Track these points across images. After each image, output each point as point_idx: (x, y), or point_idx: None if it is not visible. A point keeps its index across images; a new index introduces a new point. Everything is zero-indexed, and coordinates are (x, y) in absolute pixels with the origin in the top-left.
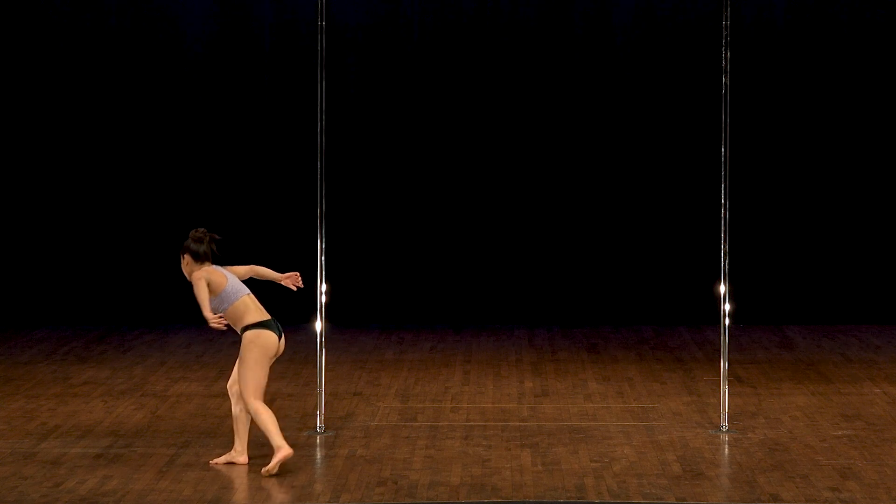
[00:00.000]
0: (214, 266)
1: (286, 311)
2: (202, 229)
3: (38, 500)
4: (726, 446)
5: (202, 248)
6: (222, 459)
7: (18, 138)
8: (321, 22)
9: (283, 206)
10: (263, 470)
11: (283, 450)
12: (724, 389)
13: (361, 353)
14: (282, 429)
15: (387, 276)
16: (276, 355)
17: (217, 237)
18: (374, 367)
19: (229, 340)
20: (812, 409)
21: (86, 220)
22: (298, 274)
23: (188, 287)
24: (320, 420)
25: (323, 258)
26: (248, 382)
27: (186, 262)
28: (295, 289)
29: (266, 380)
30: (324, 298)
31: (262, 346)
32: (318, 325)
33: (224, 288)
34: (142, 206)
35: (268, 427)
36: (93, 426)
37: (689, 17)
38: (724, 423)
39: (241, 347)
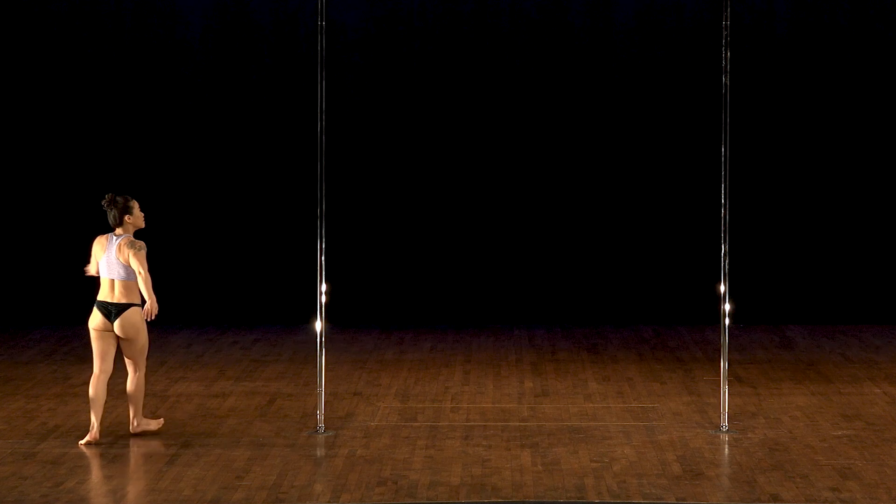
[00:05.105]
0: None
1: (286, 311)
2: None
3: (38, 500)
4: (726, 446)
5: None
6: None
7: (18, 138)
8: (321, 22)
9: (283, 206)
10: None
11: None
12: (724, 389)
13: (361, 353)
14: (282, 429)
15: (387, 276)
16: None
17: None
18: (374, 367)
19: (229, 340)
20: (812, 409)
21: (85, 219)
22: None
23: (187, 287)
24: (320, 420)
25: (323, 258)
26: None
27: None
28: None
29: None
30: (324, 298)
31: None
32: (318, 325)
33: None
34: (141, 205)
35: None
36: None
37: (689, 18)
38: (724, 423)
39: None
